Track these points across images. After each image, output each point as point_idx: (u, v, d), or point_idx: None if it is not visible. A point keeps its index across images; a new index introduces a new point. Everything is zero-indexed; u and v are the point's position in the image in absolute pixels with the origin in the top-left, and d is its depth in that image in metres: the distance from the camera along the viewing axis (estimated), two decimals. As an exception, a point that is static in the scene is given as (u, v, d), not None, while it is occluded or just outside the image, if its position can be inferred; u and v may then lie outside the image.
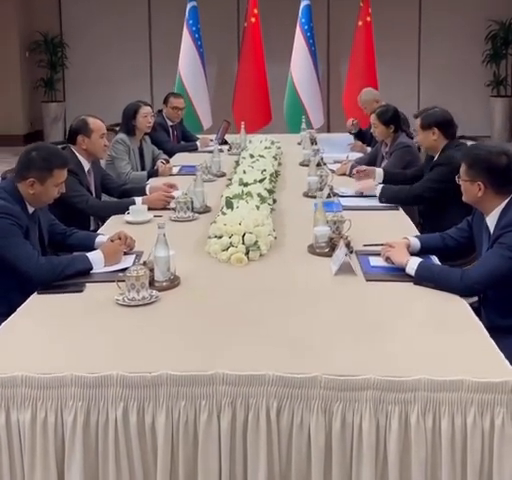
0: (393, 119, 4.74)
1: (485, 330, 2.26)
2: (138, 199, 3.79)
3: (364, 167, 4.40)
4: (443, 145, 3.84)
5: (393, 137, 4.74)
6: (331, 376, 1.94)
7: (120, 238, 3.00)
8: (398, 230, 3.31)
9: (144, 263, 2.68)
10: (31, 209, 2.90)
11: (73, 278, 2.70)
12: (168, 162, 5.04)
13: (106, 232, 3.41)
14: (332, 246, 2.98)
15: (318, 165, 4.45)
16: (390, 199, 3.93)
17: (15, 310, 2.44)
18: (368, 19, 9.21)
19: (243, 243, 2.92)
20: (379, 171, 4.28)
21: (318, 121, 9.39)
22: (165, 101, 6.12)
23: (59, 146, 3.03)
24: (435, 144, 3.86)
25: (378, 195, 3.97)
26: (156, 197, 3.85)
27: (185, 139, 6.31)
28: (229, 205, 3.17)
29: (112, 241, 2.94)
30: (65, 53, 10.94)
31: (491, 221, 2.70)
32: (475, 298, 2.88)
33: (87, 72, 10.92)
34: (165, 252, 2.60)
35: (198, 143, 6.09)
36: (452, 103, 10.16)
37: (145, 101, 5.23)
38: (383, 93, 8.74)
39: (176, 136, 6.18)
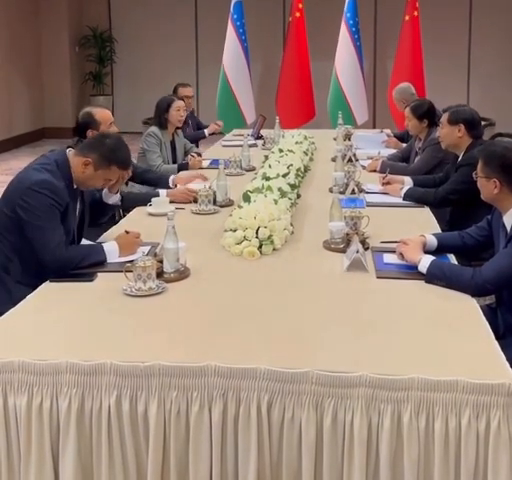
0: (427, 114, 4.66)
1: (491, 332, 2.19)
2: (162, 191, 3.81)
3: (392, 177, 4.18)
4: (467, 144, 3.75)
5: (427, 132, 4.66)
6: (323, 372, 1.92)
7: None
8: (421, 228, 3.25)
9: (155, 254, 2.70)
10: (75, 184, 2.91)
11: (86, 268, 2.74)
12: (200, 155, 5.06)
13: (128, 223, 3.45)
14: (347, 242, 2.94)
15: (350, 161, 4.41)
16: (417, 202, 3.85)
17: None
18: (415, 14, 9.07)
19: (257, 237, 2.91)
20: (408, 180, 4.16)
21: (362, 117, 9.31)
22: (174, 91, 6.13)
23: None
24: (459, 141, 3.77)
25: (402, 198, 3.89)
26: (181, 191, 3.87)
27: (199, 128, 6.37)
28: (246, 199, 3.17)
29: (127, 233, 2.96)
30: (113, 48, 11.12)
31: (508, 219, 2.64)
32: (493, 299, 2.82)
33: (134, 66, 11.08)
34: (174, 244, 2.61)
35: (205, 131, 6.11)
36: (501, 101, 10.01)
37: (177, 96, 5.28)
38: (430, 90, 8.64)
39: (191, 126, 6.23)
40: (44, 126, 11.09)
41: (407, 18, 9.10)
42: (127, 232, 2.97)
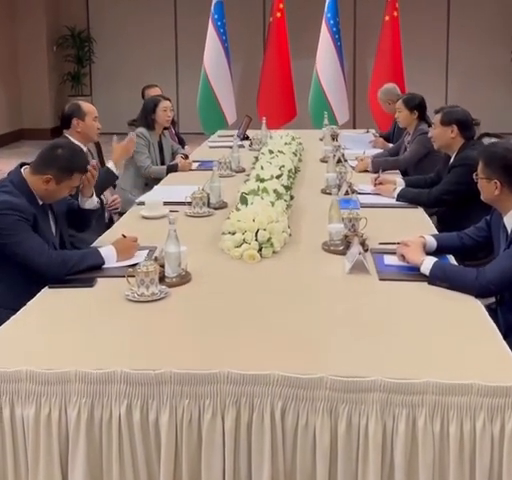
0: (418, 106, 4.76)
1: (499, 333, 2.20)
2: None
3: (385, 177, 4.18)
4: (459, 145, 3.77)
5: (416, 125, 4.72)
6: (337, 377, 1.90)
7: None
8: (416, 229, 3.25)
9: (155, 259, 2.66)
10: (41, 200, 2.86)
11: (85, 272, 2.70)
12: (187, 157, 5.02)
13: (122, 227, 3.41)
14: (347, 244, 2.93)
15: (339, 162, 4.40)
16: (410, 202, 3.85)
17: (25, 304, 2.43)
18: (395, 14, 9.10)
19: (256, 240, 2.89)
20: (400, 180, 4.17)
21: (343, 117, 9.32)
22: (142, 95, 6.00)
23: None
24: (451, 142, 3.79)
25: (395, 198, 3.89)
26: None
27: (180, 138, 6.15)
28: (243, 201, 3.15)
29: (124, 237, 2.92)
30: (92, 48, 11.01)
31: (509, 220, 2.65)
32: (492, 299, 2.83)
33: (113, 67, 10.99)
34: (176, 248, 2.58)
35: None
36: (480, 100, 10.09)
37: (165, 96, 5.21)
38: (410, 89, 8.65)
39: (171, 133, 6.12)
40: (22, 127, 10.95)
41: (387, 18, 9.13)
42: (124, 236, 2.93)
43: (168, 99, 5.09)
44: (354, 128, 9.31)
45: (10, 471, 1.99)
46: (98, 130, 3.92)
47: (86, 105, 3.92)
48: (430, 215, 4.00)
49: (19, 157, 9.62)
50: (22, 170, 2.84)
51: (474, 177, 2.73)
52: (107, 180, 3.76)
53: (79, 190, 3.14)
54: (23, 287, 2.61)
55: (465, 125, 3.77)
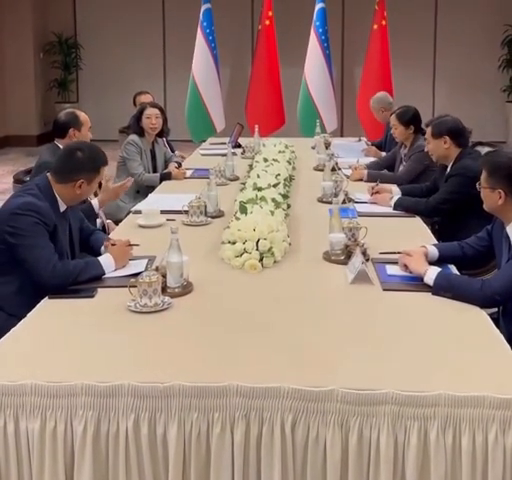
0: (413, 120, 4.72)
1: (506, 343, 2.19)
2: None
3: (381, 186, 4.15)
4: (456, 154, 3.77)
5: (412, 139, 4.70)
6: (348, 390, 1.88)
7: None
8: (415, 238, 3.25)
9: (156, 268, 2.63)
10: (63, 207, 2.87)
11: (85, 283, 2.66)
12: (180, 166, 4.99)
13: (118, 236, 3.36)
14: (348, 253, 2.92)
15: (333, 170, 4.39)
16: (407, 211, 3.85)
17: (27, 311, 2.41)
18: (383, 23, 9.15)
19: (257, 249, 2.87)
20: (396, 189, 4.16)
21: (331, 125, 9.34)
22: (134, 102, 5.97)
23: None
24: (447, 153, 3.79)
25: (392, 207, 3.88)
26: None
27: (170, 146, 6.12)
28: (243, 210, 3.12)
29: (113, 244, 2.91)
30: (79, 54, 10.96)
31: (512, 230, 2.65)
32: (494, 309, 2.82)
33: (100, 73, 10.94)
34: (178, 258, 2.55)
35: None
36: (467, 108, 10.16)
37: (154, 103, 5.15)
38: (398, 97, 8.70)
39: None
40: (7, 134, 10.85)
41: (375, 27, 9.18)
42: (113, 244, 2.92)
43: (155, 106, 5.00)
44: (342, 136, 9.33)
45: (14, 487, 1.95)
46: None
47: (82, 115, 3.88)
48: (430, 224, 4.01)
49: (5, 164, 9.56)
50: (48, 175, 2.85)
51: (477, 186, 2.72)
52: (86, 214, 3.39)
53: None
54: (31, 293, 2.58)
55: (457, 133, 3.77)
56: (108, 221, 4.02)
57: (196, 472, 1.91)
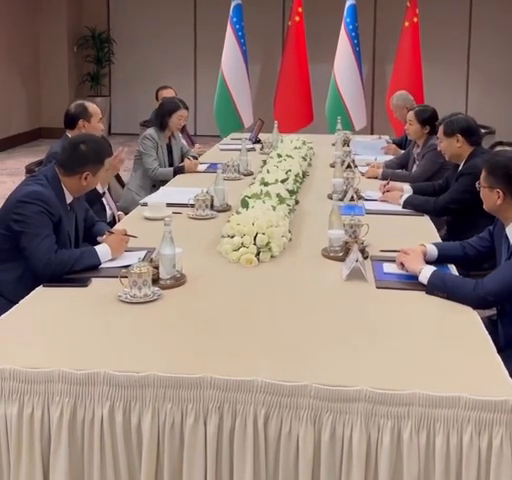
0: (430, 120, 4.64)
1: (493, 345, 2.15)
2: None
3: (393, 184, 4.13)
4: (468, 152, 3.71)
5: (425, 139, 4.64)
6: (321, 385, 1.87)
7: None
8: (420, 237, 3.20)
9: (151, 260, 2.65)
10: (69, 198, 2.91)
11: (81, 272, 2.69)
12: (196, 159, 5.01)
13: (123, 227, 3.38)
14: (346, 250, 2.90)
15: (348, 167, 4.36)
16: (416, 209, 3.81)
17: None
18: (415, 20, 9.04)
19: (255, 244, 2.87)
20: (407, 187, 4.13)
21: (360, 123, 9.27)
22: (156, 96, 6.03)
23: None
24: (459, 151, 3.73)
25: (402, 205, 3.85)
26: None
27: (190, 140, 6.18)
28: (244, 204, 3.12)
29: (111, 233, 2.95)
30: (112, 49, 11.06)
31: (511, 230, 2.60)
32: (494, 311, 2.78)
33: (132, 68, 11.03)
34: (170, 250, 2.56)
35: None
36: (503, 108, 10.00)
37: (185, 103, 5.18)
38: (429, 96, 8.61)
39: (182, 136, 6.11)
40: (41, 126, 11.02)
41: (407, 24, 9.08)
42: (111, 233, 2.95)
43: (187, 108, 5.09)
44: (372, 134, 9.24)
45: (-7, 469, 1.98)
46: (102, 131, 3.92)
47: (92, 106, 3.93)
48: (445, 224, 3.96)
49: (37, 156, 9.71)
50: (55, 167, 2.89)
51: (477, 185, 2.68)
52: (92, 196, 3.52)
53: None
54: (32, 281, 2.62)
55: (469, 132, 3.71)
56: (119, 213, 4.06)
57: (169, 461, 1.92)
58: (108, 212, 3.90)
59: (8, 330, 2.22)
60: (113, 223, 3.79)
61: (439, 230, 3.66)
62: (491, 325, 2.65)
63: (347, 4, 8.97)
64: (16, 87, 10.36)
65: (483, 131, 5.42)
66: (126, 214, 3.96)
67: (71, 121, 3.86)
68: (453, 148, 3.74)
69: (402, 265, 2.72)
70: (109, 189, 4.08)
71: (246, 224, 2.91)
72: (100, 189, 3.69)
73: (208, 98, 9.59)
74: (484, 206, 2.69)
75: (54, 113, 10.91)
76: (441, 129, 3.77)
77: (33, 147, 10.37)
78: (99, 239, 2.97)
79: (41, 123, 11.04)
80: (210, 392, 1.90)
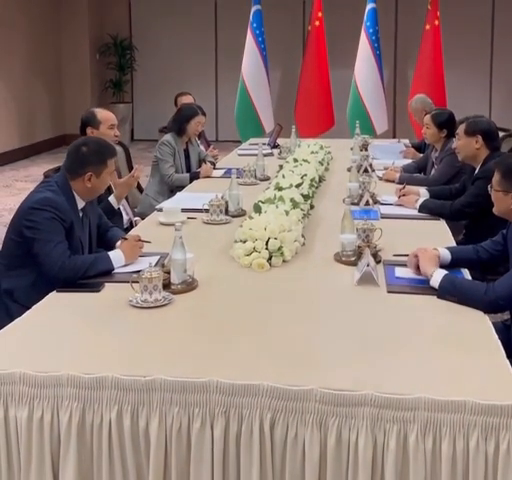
0: (447, 123, 4.61)
1: (502, 350, 2.13)
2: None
3: (409, 188, 4.11)
4: (484, 156, 3.68)
5: (443, 142, 4.61)
6: (327, 390, 1.87)
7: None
8: (435, 241, 3.18)
9: (163, 265, 2.67)
10: (81, 204, 2.95)
11: (95, 277, 2.72)
12: (214, 165, 5.03)
13: (139, 233, 3.42)
14: (359, 255, 2.90)
15: (366, 171, 4.36)
16: (432, 213, 3.79)
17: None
18: (436, 23, 9.01)
19: (267, 248, 2.87)
20: (423, 191, 4.10)
21: (382, 126, 9.25)
22: (175, 102, 6.12)
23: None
24: (476, 153, 3.70)
25: (417, 209, 3.83)
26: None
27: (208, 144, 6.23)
28: (257, 209, 3.13)
29: (125, 239, 2.98)
30: (134, 55, 11.16)
31: (523, 234, 2.58)
32: (508, 315, 2.76)
33: (154, 74, 11.12)
34: (182, 255, 2.58)
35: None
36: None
37: (202, 109, 5.23)
38: (451, 100, 8.56)
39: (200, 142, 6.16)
40: (64, 133, 11.15)
41: (428, 27, 9.05)
42: (125, 239, 2.99)
43: (205, 114, 5.14)
44: (394, 138, 9.20)
45: (3, 471, 2.01)
46: (116, 137, 3.91)
47: (101, 113, 3.89)
48: (460, 229, 3.93)
49: (61, 162, 9.81)
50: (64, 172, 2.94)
51: (488, 189, 2.66)
52: (107, 211, 3.50)
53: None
54: (45, 287, 2.65)
55: (490, 135, 3.69)
56: (136, 218, 4.09)
57: (177, 465, 1.93)
58: (125, 218, 3.93)
59: (20, 334, 2.25)
60: (130, 229, 3.82)
61: (457, 235, 3.64)
62: (504, 330, 2.63)
63: (367, 8, 8.97)
64: (40, 94, 10.51)
65: (504, 134, 5.39)
66: (143, 220, 3.99)
67: (82, 129, 3.89)
68: (470, 148, 3.72)
69: (417, 268, 2.69)
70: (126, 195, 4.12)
71: (258, 229, 2.92)
72: (115, 205, 3.69)
73: (229, 104, 9.63)
74: (494, 209, 2.67)
75: (78, 120, 10.98)
76: (462, 127, 3.74)
77: (57, 154, 10.48)
78: (117, 245, 2.99)
79: (65, 130, 11.17)
80: (216, 396, 1.91)
